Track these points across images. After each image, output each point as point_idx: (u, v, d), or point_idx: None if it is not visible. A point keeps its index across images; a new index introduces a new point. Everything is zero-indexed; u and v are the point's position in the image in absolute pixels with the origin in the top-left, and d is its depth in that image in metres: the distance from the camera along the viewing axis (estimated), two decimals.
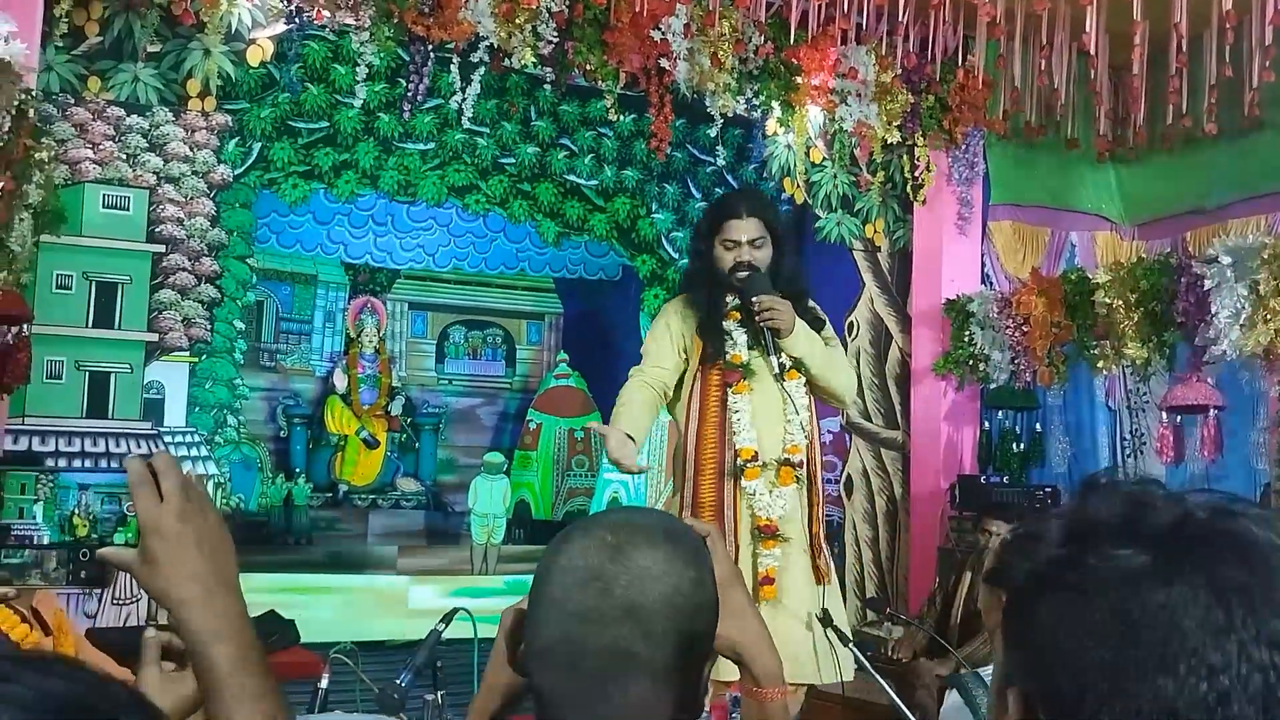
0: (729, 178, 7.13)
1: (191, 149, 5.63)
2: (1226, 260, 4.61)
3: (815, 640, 3.14)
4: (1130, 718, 0.72)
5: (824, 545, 3.39)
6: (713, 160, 6.70)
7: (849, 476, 6.50)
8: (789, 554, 3.28)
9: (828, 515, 6.48)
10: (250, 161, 5.98)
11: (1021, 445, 6.03)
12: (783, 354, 3.30)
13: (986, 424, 6.13)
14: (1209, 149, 5.91)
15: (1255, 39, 5.01)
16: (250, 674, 1.05)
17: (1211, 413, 5.07)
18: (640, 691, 1.08)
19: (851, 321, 6.51)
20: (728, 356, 3.35)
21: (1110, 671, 0.73)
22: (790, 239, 3.80)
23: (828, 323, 3.53)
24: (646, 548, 1.10)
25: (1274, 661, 0.72)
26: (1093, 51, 5.04)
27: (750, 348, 3.36)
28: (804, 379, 3.36)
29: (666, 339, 3.45)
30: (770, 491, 3.27)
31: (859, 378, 6.42)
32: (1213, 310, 4.64)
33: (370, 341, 8.29)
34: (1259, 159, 5.81)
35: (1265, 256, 4.51)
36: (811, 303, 3.50)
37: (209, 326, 5.70)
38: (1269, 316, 4.49)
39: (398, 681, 2.23)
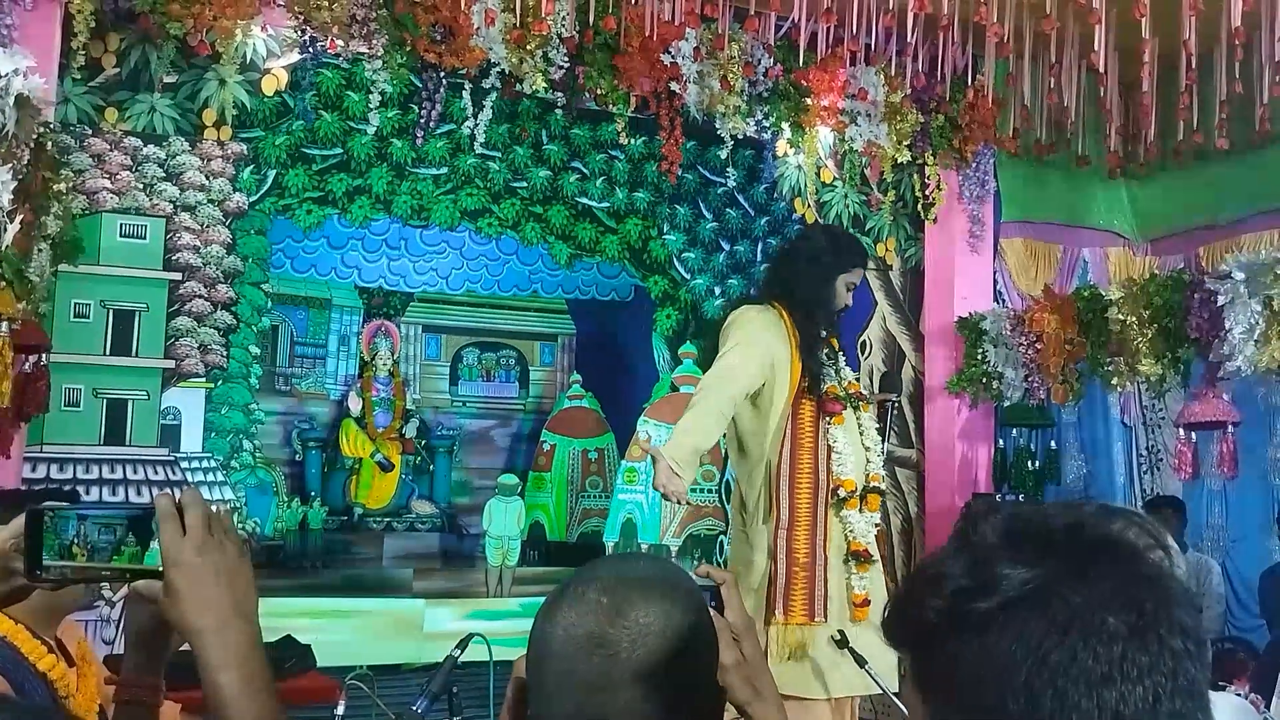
0: (740, 199, 7.15)
1: (207, 177, 5.68)
2: (1240, 276, 4.60)
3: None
4: None
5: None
6: (723, 181, 6.72)
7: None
8: (874, 577, 3.44)
9: None
10: (265, 189, 6.03)
11: (1036, 463, 6.01)
12: (858, 383, 3.61)
13: (1001, 442, 6.12)
14: (1220, 164, 5.90)
15: (1265, 54, 5.01)
16: (254, 700, 1.09)
17: (1229, 429, 5.05)
18: None
19: (864, 340, 6.51)
20: (825, 388, 3.44)
21: (1051, 687, 0.71)
22: None
23: (866, 356, 3.85)
24: (643, 604, 1.08)
25: (1188, 649, 0.73)
26: (1102, 69, 5.04)
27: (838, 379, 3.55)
28: (873, 412, 3.61)
29: (758, 352, 3.34)
30: (864, 519, 3.44)
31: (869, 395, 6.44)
32: (1227, 326, 4.62)
33: (384, 365, 8.32)
34: (1271, 173, 5.80)
35: (1279, 272, 4.50)
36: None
37: (225, 352, 5.74)
38: None
39: (414, 709, 2.23)
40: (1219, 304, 4.68)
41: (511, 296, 8.96)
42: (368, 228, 7.35)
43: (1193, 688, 0.73)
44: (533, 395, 9.45)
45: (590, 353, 9.25)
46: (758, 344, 3.34)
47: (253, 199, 5.92)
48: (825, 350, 3.48)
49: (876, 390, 3.83)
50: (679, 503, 3.37)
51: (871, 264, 6.52)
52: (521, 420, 9.33)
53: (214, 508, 1.18)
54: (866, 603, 3.37)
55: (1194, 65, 5.07)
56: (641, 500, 7.46)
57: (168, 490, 1.17)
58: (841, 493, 3.40)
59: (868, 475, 3.48)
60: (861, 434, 3.50)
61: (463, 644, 2.46)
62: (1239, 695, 3.16)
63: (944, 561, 0.79)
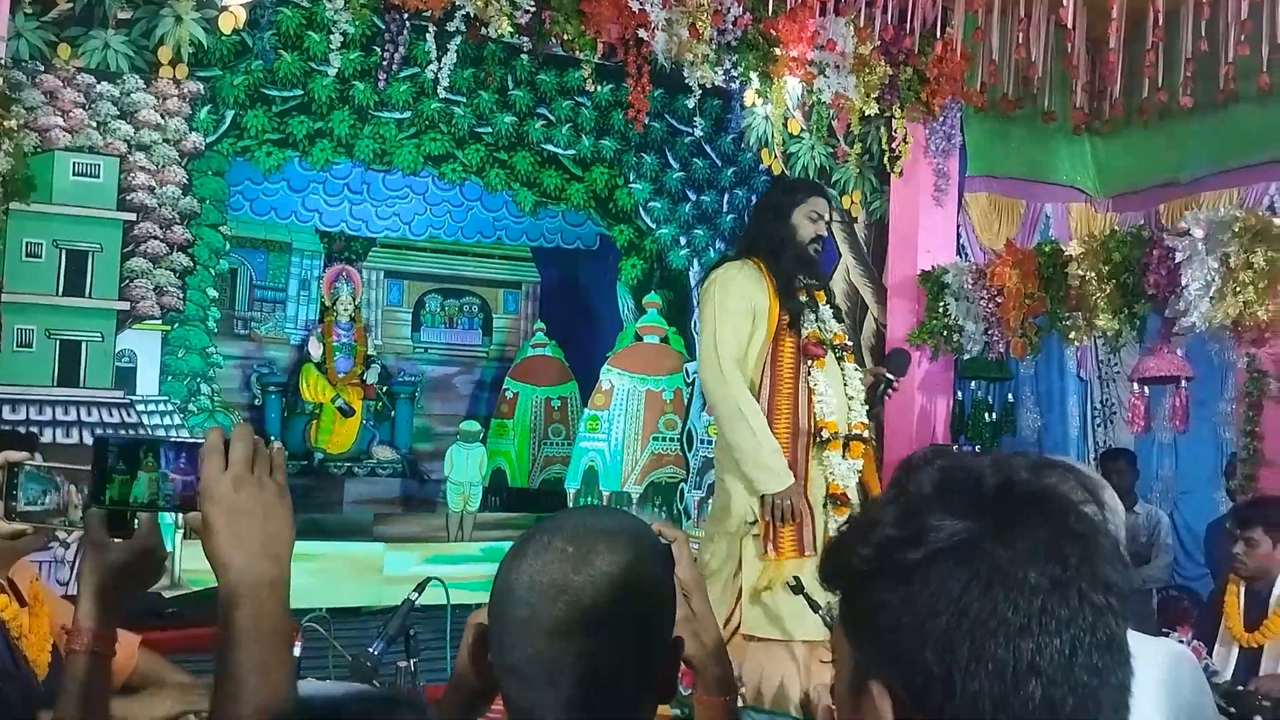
0: (707, 148, 7.11)
1: (163, 116, 5.56)
2: (1198, 233, 4.65)
3: None
4: (994, 680, 0.72)
5: None
6: (690, 131, 6.68)
7: None
8: None
9: None
10: (223, 129, 5.92)
11: (994, 415, 6.09)
12: (845, 334, 3.62)
13: (960, 394, 6.19)
14: (1183, 122, 5.94)
15: (1231, 13, 5.03)
16: (259, 642, 1.08)
17: (1181, 384, 5.14)
18: (620, 693, 1.09)
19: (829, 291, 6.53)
20: (805, 332, 3.49)
21: (969, 638, 0.72)
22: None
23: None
24: (608, 553, 1.09)
25: (1110, 603, 0.75)
26: (1070, 25, 5.04)
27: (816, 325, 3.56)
28: (855, 364, 3.64)
29: (735, 309, 3.48)
30: (845, 463, 3.49)
31: None
32: (1183, 283, 4.68)
33: (345, 310, 8.25)
34: (1232, 133, 5.85)
35: (1236, 230, 4.55)
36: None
37: (181, 295, 5.66)
38: (1238, 289, 4.54)
39: (370, 650, 2.24)
40: (1176, 261, 4.73)
41: (475, 243, 8.89)
42: (329, 171, 7.25)
43: (1112, 642, 0.74)
44: (496, 343, 9.42)
45: (554, 301, 9.22)
46: (733, 300, 3.47)
47: (210, 139, 5.81)
48: (805, 296, 3.53)
49: (884, 365, 3.81)
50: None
51: (836, 216, 6.53)
52: (484, 367, 9.31)
53: (272, 445, 1.17)
54: None
55: (1160, 23, 5.08)
56: (603, 448, 7.50)
57: (218, 425, 1.18)
58: (825, 434, 3.45)
59: (850, 424, 3.52)
60: (846, 383, 3.53)
61: (420, 587, 2.47)
62: (1182, 642, 3.25)
63: (878, 510, 0.80)
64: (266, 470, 1.14)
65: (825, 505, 3.45)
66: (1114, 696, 0.75)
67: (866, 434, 3.57)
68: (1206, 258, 4.63)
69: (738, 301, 3.47)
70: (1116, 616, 0.75)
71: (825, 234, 3.60)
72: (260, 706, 1.05)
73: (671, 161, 7.18)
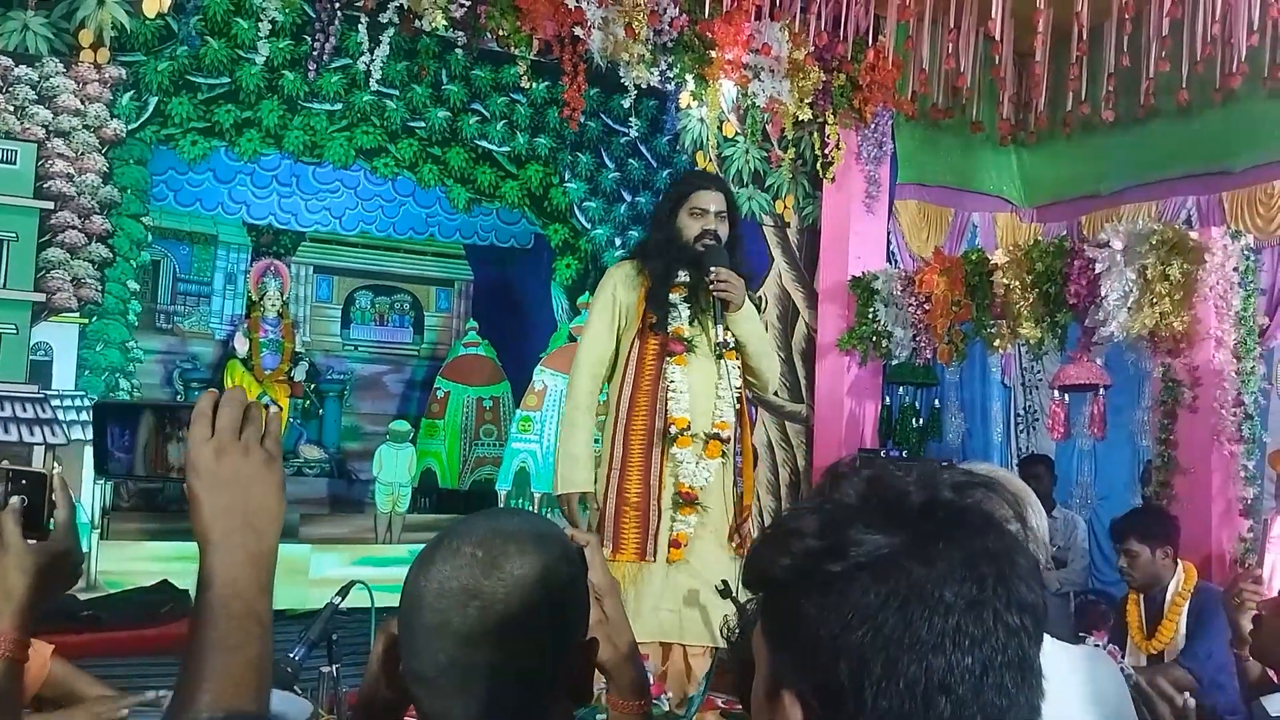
0: (642, 149, 7.11)
1: (83, 102, 5.39)
2: (1118, 245, 4.78)
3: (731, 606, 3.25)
4: (905, 697, 0.72)
5: (748, 520, 3.54)
6: (626, 131, 6.67)
7: (754, 449, 6.59)
8: (705, 523, 3.42)
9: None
10: (146, 117, 5.75)
11: (921, 420, 6.19)
12: (727, 331, 3.44)
13: (888, 399, 6.28)
14: (1105, 136, 6.11)
15: (1153, 29, 5.17)
16: (227, 623, 1.01)
17: (1100, 391, 5.27)
18: (535, 697, 1.08)
19: (760, 296, 6.58)
20: (670, 329, 3.45)
21: (883, 654, 0.73)
22: (741, 223, 3.85)
23: (763, 311, 3.67)
24: (518, 555, 1.08)
25: (1024, 624, 0.76)
26: (998, 37, 5.15)
27: (691, 323, 3.48)
28: (739, 360, 3.51)
29: (609, 313, 3.54)
30: (697, 462, 3.41)
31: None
32: (1103, 293, 4.80)
33: (273, 305, 8.08)
34: (1152, 147, 6.03)
35: (1154, 242, 4.69)
36: (754, 292, 3.67)
37: (100, 287, 5.49)
38: (1155, 300, 4.67)
39: (291, 655, 2.20)
40: (1097, 271, 4.85)
41: (407, 239, 8.77)
42: (257, 162, 7.09)
43: (1023, 661, 0.75)
44: (427, 341, 9.31)
45: (487, 299, 9.14)
46: (613, 299, 3.54)
47: (132, 127, 5.64)
48: (684, 295, 3.47)
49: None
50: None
51: (769, 220, 6.58)
52: (415, 366, 9.19)
53: (266, 410, 1.09)
54: (678, 544, 3.37)
55: (1085, 38, 5.20)
56: (535, 449, 7.45)
57: (213, 390, 1.10)
58: (672, 430, 3.41)
59: (714, 421, 3.45)
60: (720, 380, 3.45)
61: (344, 591, 2.42)
62: (1098, 646, 3.33)
63: (800, 517, 0.80)
64: (257, 438, 1.07)
65: (674, 504, 3.40)
66: (1023, 716, 0.76)
67: (726, 433, 3.46)
68: (1125, 269, 4.76)
69: (603, 304, 3.55)
70: (1029, 638, 0.76)
71: (714, 226, 3.46)
72: (219, 693, 0.97)
73: (607, 161, 7.16)
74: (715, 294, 3.37)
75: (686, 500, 3.39)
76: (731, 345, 3.48)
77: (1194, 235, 4.78)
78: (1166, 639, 3.76)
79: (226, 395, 1.08)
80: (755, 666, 0.84)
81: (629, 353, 3.49)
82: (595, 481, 3.48)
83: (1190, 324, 4.68)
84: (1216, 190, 5.86)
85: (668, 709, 3.03)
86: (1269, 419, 5.29)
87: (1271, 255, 5.59)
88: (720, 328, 3.41)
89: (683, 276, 3.48)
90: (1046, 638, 0.79)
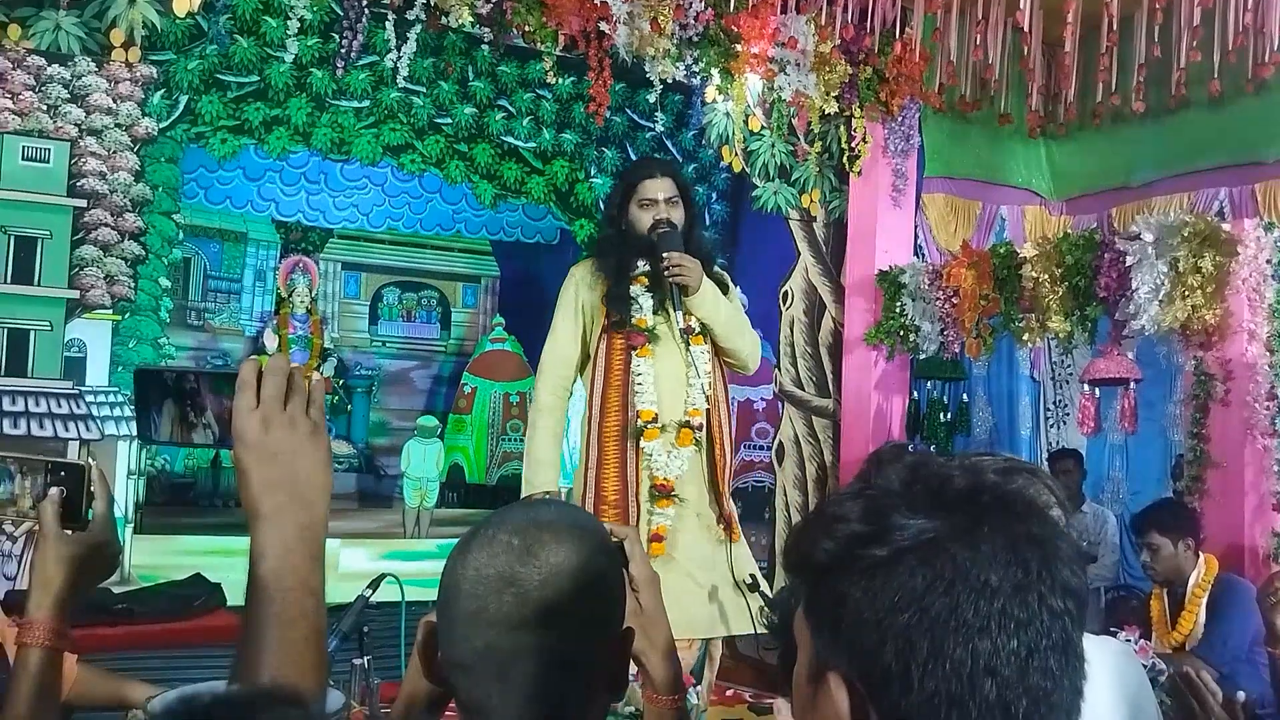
0: (668, 143, 7.11)
1: (115, 101, 5.45)
2: (1148, 237, 4.73)
3: (722, 596, 3.23)
4: (951, 679, 0.73)
5: (730, 505, 3.49)
6: (652, 126, 6.67)
7: (780, 444, 6.58)
8: (684, 514, 3.38)
9: (759, 481, 6.59)
10: (176, 115, 5.81)
11: (948, 415, 6.16)
12: (690, 316, 3.38)
13: (915, 393, 6.24)
14: (1136, 127, 6.04)
15: (1184, 19, 5.11)
16: (284, 598, 1.00)
17: (1130, 385, 5.22)
18: (571, 686, 1.09)
19: (786, 290, 6.57)
20: (633, 321, 3.42)
21: (929, 636, 0.74)
22: (695, 204, 3.80)
23: (733, 287, 3.63)
24: (554, 544, 1.09)
25: (1068, 608, 0.76)
26: (1027, 27, 5.10)
27: (655, 312, 3.44)
28: (708, 344, 3.45)
29: (572, 314, 3.54)
30: (668, 453, 3.37)
31: (793, 346, 6.51)
32: (1133, 286, 4.75)
33: (302, 301, 8.15)
34: (1183, 138, 5.95)
35: (1185, 234, 4.63)
36: (718, 267, 3.64)
37: (132, 284, 5.55)
38: (1186, 293, 4.62)
39: None
40: (1127, 264, 4.81)
41: (434, 236, 8.82)
42: (286, 160, 7.15)
43: (1067, 645, 0.76)
44: (454, 337, 9.36)
45: (514, 295, 9.17)
46: (575, 300, 3.55)
47: (163, 125, 5.70)
48: (645, 286, 3.43)
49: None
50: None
51: (796, 214, 6.56)
52: (442, 362, 9.24)
53: (311, 378, 1.08)
54: (659, 538, 3.31)
55: (1115, 28, 5.15)
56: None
57: (254, 357, 1.07)
58: (639, 423, 3.38)
59: (686, 410, 3.40)
60: (689, 370, 3.40)
61: (374, 584, 2.45)
62: (1128, 640, 3.30)
63: (843, 503, 0.81)
64: (302, 407, 1.05)
65: (651, 498, 3.37)
66: (1067, 699, 0.77)
67: (697, 421, 3.40)
68: (1156, 262, 4.70)
69: (566, 305, 3.56)
70: (1073, 621, 0.77)
71: (666, 213, 3.40)
72: (279, 667, 0.97)
73: (632, 156, 7.16)
74: (670, 279, 3.33)
75: (662, 492, 3.36)
76: (697, 330, 3.41)
77: (1226, 227, 4.72)
78: (1187, 630, 3.74)
79: (270, 364, 1.06)
80: (797, 650, 0.85)
81: (597, 352, 3.47)
82: (573, 482, 3.47)
83: (1222, 317, 4.62)
84: (1249, 181, 5.78)
85: (696, 702, 3.03)
86: None
87: None
88: (680, 313, 3.36)
89: (643, 266, 3.44)
90: None
